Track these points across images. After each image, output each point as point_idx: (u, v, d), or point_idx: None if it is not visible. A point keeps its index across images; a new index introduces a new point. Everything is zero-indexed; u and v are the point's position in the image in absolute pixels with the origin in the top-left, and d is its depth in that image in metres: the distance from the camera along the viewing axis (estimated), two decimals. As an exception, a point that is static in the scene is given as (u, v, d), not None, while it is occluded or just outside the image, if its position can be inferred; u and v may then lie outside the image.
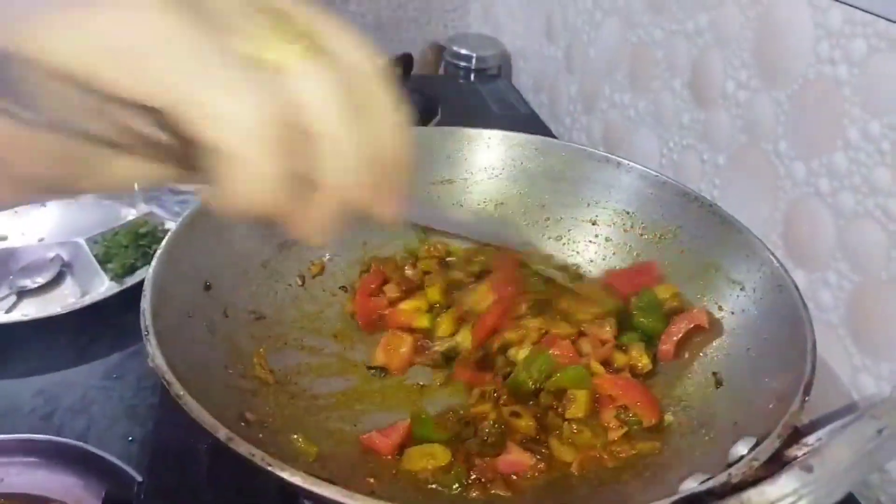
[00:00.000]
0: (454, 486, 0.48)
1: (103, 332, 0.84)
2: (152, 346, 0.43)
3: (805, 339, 0.47)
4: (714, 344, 0.56)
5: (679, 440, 0.52)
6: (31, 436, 0.70)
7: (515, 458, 0.50)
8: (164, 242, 0.52)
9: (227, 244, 0.58)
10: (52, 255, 0.92)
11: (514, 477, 0.50)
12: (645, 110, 0.94)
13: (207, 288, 0.54)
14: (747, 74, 0.74)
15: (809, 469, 0.34)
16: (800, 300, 0.50)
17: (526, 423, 0.52)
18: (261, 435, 0.48)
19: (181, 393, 0.40)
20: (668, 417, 0.54)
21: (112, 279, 0.88)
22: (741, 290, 0.55)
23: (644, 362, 0.58)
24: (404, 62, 1.26)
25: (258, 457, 0.37)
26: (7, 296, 0.87)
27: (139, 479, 0.64)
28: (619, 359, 0.57)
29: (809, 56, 0.66)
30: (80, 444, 0.69)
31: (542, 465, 0.50)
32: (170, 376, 0.41)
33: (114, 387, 0.79)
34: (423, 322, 0.61)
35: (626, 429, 0.52)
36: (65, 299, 0.88)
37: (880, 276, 0.60)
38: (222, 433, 0.38)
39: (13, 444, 0.69)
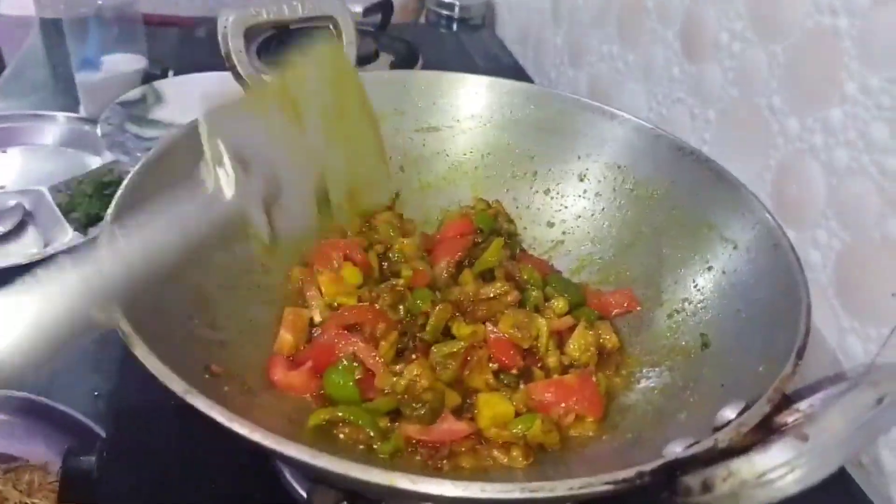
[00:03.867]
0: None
1: (67, 284, 0.80)
2: None
3: (800, 300, 0.45)
4: (704, 304, 0.54)
5: (662, 402, 0.50)
6: (-10, 390, 0.67)
7: (450, 427, 0.48)
8: (123, 184, 0.48)
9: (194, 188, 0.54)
10: (13, 203, 0.88)
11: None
12: (634, 63, 0.91)
13: None
14: (742, 25, 0.71)
15: (804, 438, 0.32)
16: (795, 261, 0.48)
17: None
18: (227, 388, 0.46)
19: (136, 343, 0.38)
20: (649, 382, 0.52)
21: (76, 229, 0.84)
22: (734, 248, 0.53)
23: (613, 341, 0.56)
24: (383, 9, 1.22)
25: (217, 412, 0.35)
26: (-35, 245, 0.83)
27: (103, 434, 0.62)
28: (583, 338, 0.55)
29: (808, 6, 0.63)
30: (42, 399, 0.66)
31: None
32: (125, 326, 0.38)
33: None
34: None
35: (554, 431, 0.49)
36: (27, 249, 0.84)
37: (872, 236, 0.58)
38: (178, 387, 0.36)
39: (-30, 398, 0.66)
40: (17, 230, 0.86)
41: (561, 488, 0.33)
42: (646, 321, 0.57)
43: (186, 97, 0.99)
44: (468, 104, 0.67)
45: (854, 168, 0.60)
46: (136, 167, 0.50)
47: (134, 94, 0.99)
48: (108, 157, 0.94)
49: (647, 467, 0.34)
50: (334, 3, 0.62)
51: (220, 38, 0.58)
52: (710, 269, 0.55)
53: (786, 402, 0.40)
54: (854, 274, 0.61)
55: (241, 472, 0.54)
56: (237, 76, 0.59)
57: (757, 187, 0.69)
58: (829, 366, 0.63)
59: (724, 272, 0.54)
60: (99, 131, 0.93)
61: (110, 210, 0.47)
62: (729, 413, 0.40)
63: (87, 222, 0.85)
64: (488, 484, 0.33)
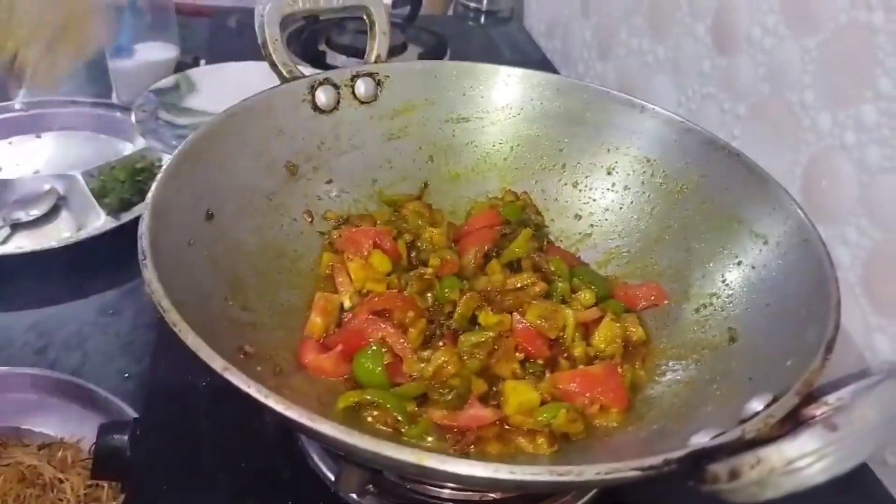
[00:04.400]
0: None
1: (99, 268, 0.82)
2: (149, 272, 0.41)
3: (829, 295, 0.45)
4: (732, 298, 0.54)
5: (689, 394, 0.51)
6: (25, 369, 0.69)
7: (477, 413, 0.48)
8: (164, 168, 0.49)
9: (230, 174, 0.55)
10: (47, 187, 0.90)
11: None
12: (664, 56, 0.91)
13: (209, 217, 0.52)
14: (775, 20, 0.71)
15: (834, 427, 0.32)
16: (826, 256, 0.47)
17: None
18: (259, 368, 0.47)
19: (177, 319, 0.38)
20: (675, 375, 0.53)
21: (108, 214, 0.86)
22: (764, 244, 0.53)
23: (640, 333, 0.56)
24: (412, 1, 1.22)
25: (254, 389, 0.36)
26: (1, 227, 0.85)
27: (135, 414, 0.63)
28: (610, 330, 0.55)
29: (843, 1, 0.62)
30: (75, 378, 0.68)
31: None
32: (166, 303, 0.39)
33: (109, 323, 0.78)
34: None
35: (579, 420, 0.48)
36: (60, 233, 0.86)
37: (903, 235, 0.58)
38: (218, 363, 0.36)
39: (6, 377, 0.68)
40: (51, 214, 0.88)
41: (588, 472, 0.33)
42: (673, 315, 0.57)
43: (219, 86, 1.00)
44: (498, 95, 0.67)
45: (887, 167, 0.59)
46: (173, 156, 0.51)
47: (167, 81, 1.01)
48: (140, 143, 0.96)
49: (674, 455, 0.34)
50: (369, -7, 0.63)
51: (256, 26, 0.59)
52: (739, 263, 0.55)
53: (812, 396, 0.40)
54: (882, 272, 0.61)
55: (269, 452, 0.55)
56: (273, 65, 0.60)
57: (787, 183, 0.68)
58: (854, 363, 0.63)
59: (753, 267, 0.54)
60: (133, 118, 0.94)
61: (149, 198, 0.47)
62: (756, 405, 0.40)
63: (120, 207, 0.87)
64: (517, 466, 0.33)
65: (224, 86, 0.99)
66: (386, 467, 0.43)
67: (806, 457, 0.30)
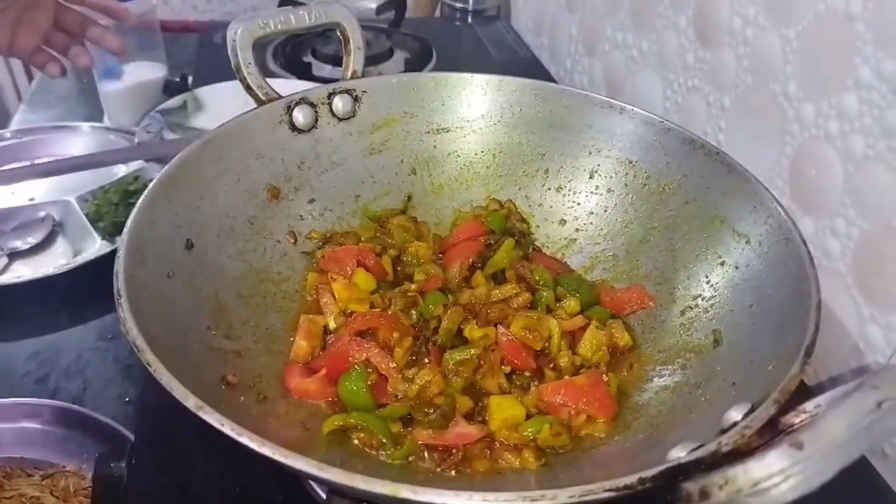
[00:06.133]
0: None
1: (97, 293, 0.82)
2: (124, 311, 0.42)
3: (809, 296, 0.44)
4: (716, 299, 0.54)
5: (675, 400, 0.50)
6: (26, 399, 0.70)
7: (462, 431, 0.48)
8: (139, 201, 0.49)
9: (209, 201, 0.55)
10: (42, 214, 0.90)
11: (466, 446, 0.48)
12: (648, 51, 0.90)
13: (189, 246, 0.52)
14: (755, 11, 0.70)
15: (799, 446, 0.31)
16: (807, 255, 0.47)
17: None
18: (242, 398, 0.47)
19: (151, 359, 0.39)
20: (662, 381, 0.52)
21: (104, 238, 0.86)
22: (746, 243, 0.53)
23: (626, 339, 0.56)
24: (397, 4, 1.22)
25: (227, 427, 0.36)
26: (-1, 257, 0.85)
27: (132, 439, 0.64)
28: (595, 338, 0.55)
29: (821, -11, 0.62)
30: (75, 406, 0.69)
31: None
32: (141, 342, 0.39)
33: (109, 347, 0.78)
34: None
35: (564, 434, 0.48)
36: (57, 259, 0.86)
37: (891, 223, 0.57)
38: (192, 402, 0.37)
39: (8, 408, 0.69)
40: (48, 241, 0.89)
41: (562, 496, 0.33)
42: (659, 318, 0.57)
43: (226, 104, 1.00)
44: (477, 104, 0.67)
45: (871, 155, 0.58)
46: (147, 189, 0.51)
47: (174, 101, 1.00)
48: (134, 165, 0.96)
49: (649, 473, 0.34)
50: (340, 9, 0.63)
51: (229, 50, 0.59)
52: (722, 263, 0.54)
53: (806, 393, 0.39)
54: (874, 262, 0.60)
55: (265, 475, 0.55)
56: (248, 88, 0.60)
57: (774, 175, 0.68)
58: (850, 355, 0.62)
59: (736, 267, 0.53)
60: (137, 139, 0.94)
61: (124, 234, 0.47)
62: (735, 415, 0.40)
63: (115, 231, 0.87)
64: (490, 493, 0.33)
65: (231, 104, 0.98)
66: (368, 498, 0.43)
67: (773, 477, 0.30)
